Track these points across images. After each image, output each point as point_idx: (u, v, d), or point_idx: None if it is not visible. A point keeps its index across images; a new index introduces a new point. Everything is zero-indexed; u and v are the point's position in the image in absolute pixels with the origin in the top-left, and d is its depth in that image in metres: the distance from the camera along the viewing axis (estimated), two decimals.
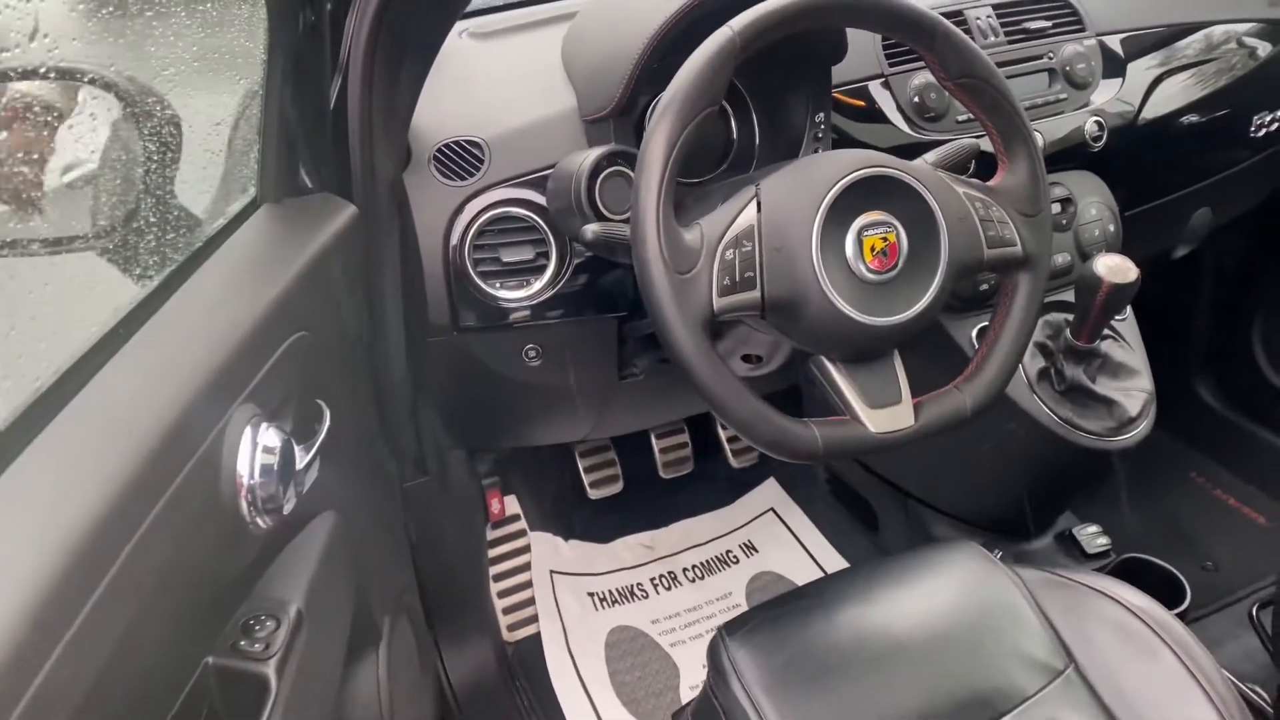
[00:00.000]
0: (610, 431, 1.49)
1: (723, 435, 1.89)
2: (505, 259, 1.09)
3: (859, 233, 0.85)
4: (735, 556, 1.73)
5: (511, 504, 1.67)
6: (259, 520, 0.74)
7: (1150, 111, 1.38)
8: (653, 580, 1.70)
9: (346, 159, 1.00)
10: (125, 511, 0.60)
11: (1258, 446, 1.86)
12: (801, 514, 1.80)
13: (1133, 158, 1.38)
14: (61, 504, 0.57)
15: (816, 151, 1.16)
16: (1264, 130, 1.51)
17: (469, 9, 1.32)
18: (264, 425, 0.75)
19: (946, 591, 1.06)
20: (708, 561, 1.73)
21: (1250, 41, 1.49)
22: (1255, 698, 1.33)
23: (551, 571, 1.65)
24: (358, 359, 1.06)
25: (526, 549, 1.66)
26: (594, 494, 1.76)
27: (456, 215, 1.08)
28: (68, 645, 0.53)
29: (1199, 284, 1.90)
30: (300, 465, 0.78)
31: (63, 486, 0.58)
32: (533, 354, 1.16)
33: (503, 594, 1.59)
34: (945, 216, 0.88)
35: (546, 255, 1.10)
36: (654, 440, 1.81)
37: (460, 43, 1.26)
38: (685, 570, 1.72)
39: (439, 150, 1.08)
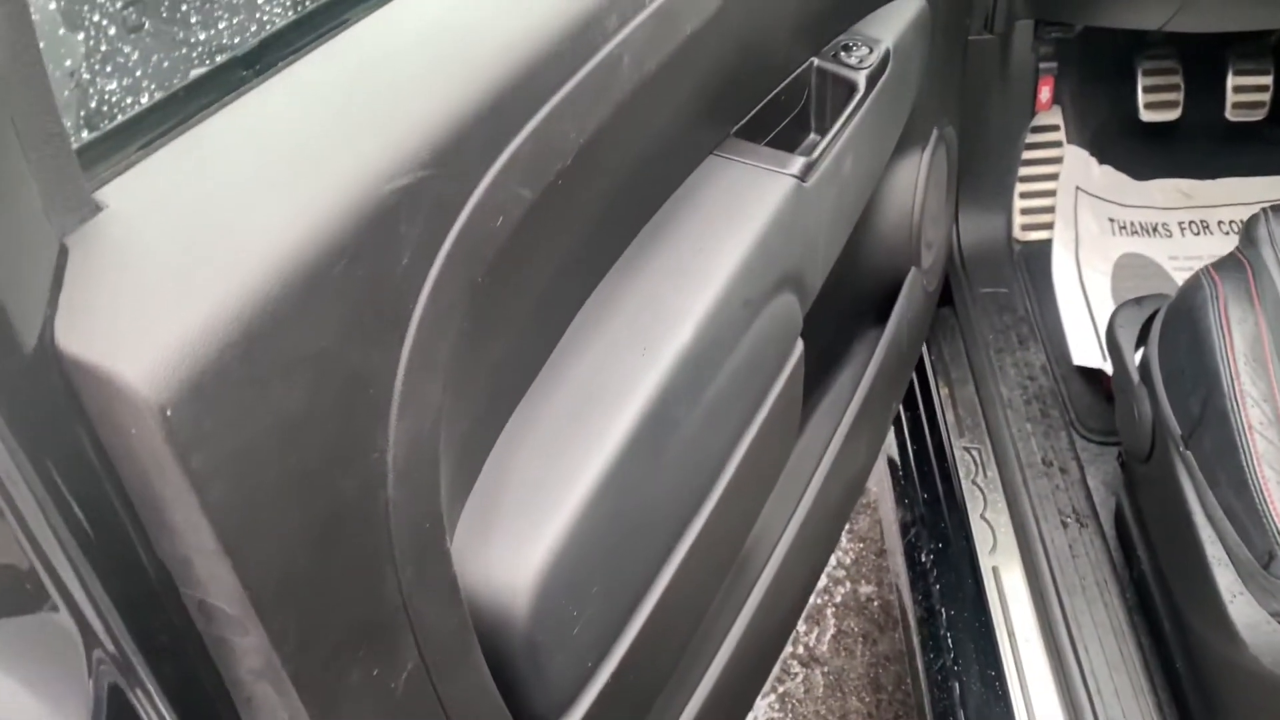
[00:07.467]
0: (1196, 16, 1.36)
1: None
2: None
3: None
4: None
5: (1054, 115, 1.66)
6: None
7: None
8: (1180, 224, 1.64)
9: None
10: None
11: None
12: None
13: None
14: None
15: None
16: None
17: None
18: None
19: None
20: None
21: None
22: None
23: (1077, 188, 1.65)
24: None
25: (1058, 160, 1.66)
26: (1147, 115, 1.66)
27: None
28: None
29: None
30: None
31: None
32: None
33: (1025, 195, 1.63)
34: None
35: None
36: (1230, 75, 1.64)
37: None
38: (1221, 223, 1.63)
39: None
